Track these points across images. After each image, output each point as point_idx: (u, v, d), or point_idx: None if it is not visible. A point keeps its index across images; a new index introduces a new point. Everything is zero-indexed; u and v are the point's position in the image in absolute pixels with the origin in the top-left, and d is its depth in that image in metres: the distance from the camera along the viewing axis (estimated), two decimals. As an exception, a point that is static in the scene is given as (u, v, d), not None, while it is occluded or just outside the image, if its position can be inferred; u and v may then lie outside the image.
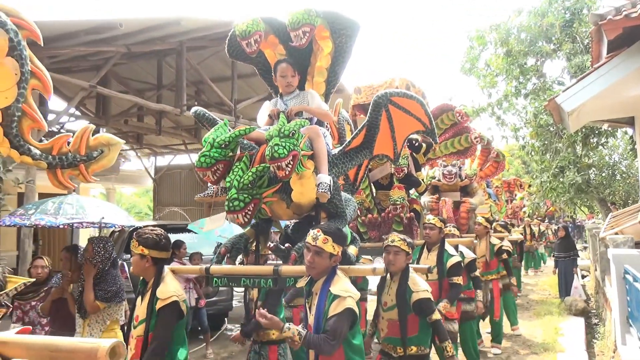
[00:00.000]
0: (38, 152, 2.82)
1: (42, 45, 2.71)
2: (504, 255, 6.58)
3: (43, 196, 6.52)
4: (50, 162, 2.87)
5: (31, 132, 2.82)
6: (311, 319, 2.57)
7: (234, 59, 3.44)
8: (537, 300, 10.30)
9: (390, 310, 3.32)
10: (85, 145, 2.97)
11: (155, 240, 2.80)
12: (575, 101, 5.91)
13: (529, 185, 13.27)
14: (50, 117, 9.25)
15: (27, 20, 2.62)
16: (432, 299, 3.32)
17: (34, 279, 3.96)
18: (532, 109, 10.21)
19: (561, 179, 9.68)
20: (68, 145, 2.96)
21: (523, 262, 13.32)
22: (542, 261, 15.72)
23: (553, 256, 11.24)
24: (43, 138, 4.96)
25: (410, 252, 3.34)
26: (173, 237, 6.68)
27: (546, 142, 10.21)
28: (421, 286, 3.27)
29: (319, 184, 2.71)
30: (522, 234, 12.73)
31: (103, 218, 4.41)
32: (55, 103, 12.67)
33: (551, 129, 9.99)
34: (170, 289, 2.74)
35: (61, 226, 4.58)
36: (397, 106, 3.08)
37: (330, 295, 2.48)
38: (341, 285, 2.53)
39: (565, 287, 9.79)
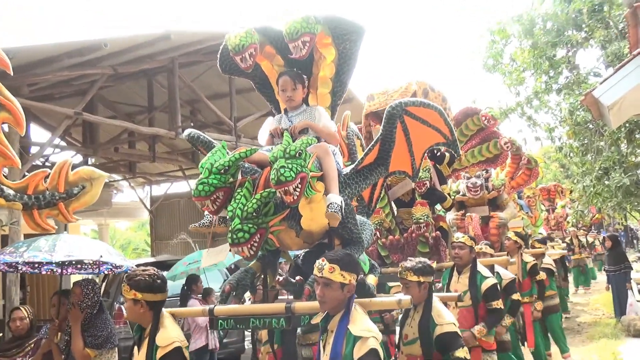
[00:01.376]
0: (12, 192, 2.83)
1: (12, 74, 2.75)
2: (539, 276, 6.39)
3: (29, 237, 6.60)
4: (26, 203, 2.88)
5: (10, 170, 2.85)
6: (325, 359, 2.53)
7: (228, 74, 3.48)
8: (589, 322, 10.08)
9: (411, 345, 3.28)
10: (65, 182, 2.99)
11: (147, 282, 2.76)
12: (615, 94, 5.83)
13: (570, 192, 13.08)
14: (34, 149, 9.42)
15: None
16: (459, 332, 3.25)
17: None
18: (567, 106, 10.11)
19: (606, 182, 9.51)
20: (45, 182, 2.97)
21: (572, 279, 13.06)
22: (592, 276, 15.40)
23: (604, 270, 11.01)
24: (26, 173, 5.03)
25: (423, 280, 3.30)
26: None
27: (586, 142, 10.07)
28: (446, 318, 3.24)
29: (328, 204, 2.69)
30: (569, 245, 12.50)
31: (102, 256, 4.46)
32: (38, 134, 12.92)
33: (590, 126, 9.87)
34: (172, 334, 2.73)
35: (55, 263, 4.62)
36: (414, 117, 3.08)
37: (351, 336, 2.44)
38: (361, 324, 2.48)
39: (619, 305, 9.58)
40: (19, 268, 4.86)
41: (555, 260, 8.92)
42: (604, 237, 13.88)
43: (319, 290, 2.52)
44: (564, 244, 11.98)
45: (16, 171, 5.64)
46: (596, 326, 9.43)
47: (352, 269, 2.54)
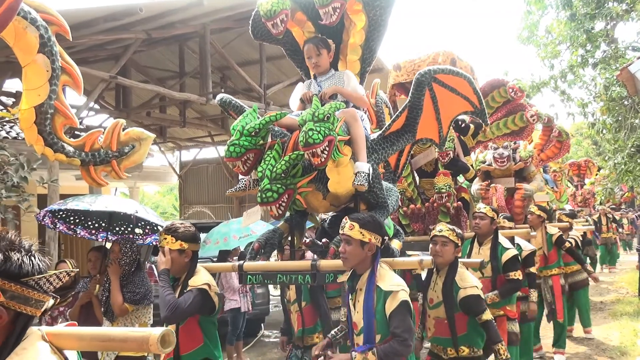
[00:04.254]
0: (71, 149, 3.06)
1: (71, 39, 2.93)
2: (566, 245, 6.36)
3: (64, 197, 6.90)
4: (84, 159, 3.10)
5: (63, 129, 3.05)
6: (356, 317, 2.66)
7: (260, 40, 3.54)
8: (612, 300, 10.07)
9: (436, 308, 3.39)
10: (117, 141, 3.20)
11: (191, 233, 2.99)
12: (652, 70, 5.74)
13: (598, 169, 12.84)
14: (70, 112, 9.66)
15: (56, 15, 2.85)
16: (482, 295, 3.35)
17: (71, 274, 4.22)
18: (603, 81, 9.88)
19: (638, 160, 9.35)
20: (100, 141, 3.17)
21: (598, 257, 12.93)
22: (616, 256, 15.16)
23: (636, 249, 10.84)
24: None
25: (460, 244, 3.39)
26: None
27: (620, 118, 9.86)
28: (470, 282, 3.32)
29: (356, 174, 2.78)
30: (596, 223, 12.35)
31: (137, 212, 4.70)
32: (73, 97, 13.21)
33: (625, 102, 9.64)
34: (203, 278, 2.92)
35: (110, 232, 4.92)
36: (442, 84, 3.10)
37: (381, 292, 2.57)
38: (390, 279, 2.62)
39: (644, 286, 9.53)
40: (78, 233, 5.12)
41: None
42: (635, 216, 13.66)
43: (342, 247, 2.66)
44: (590, 221, 11.84)
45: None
46: (619, 304, 9.43)
47: (372, 228, 2.64)
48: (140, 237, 5.15)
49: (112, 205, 4.71)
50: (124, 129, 3.26)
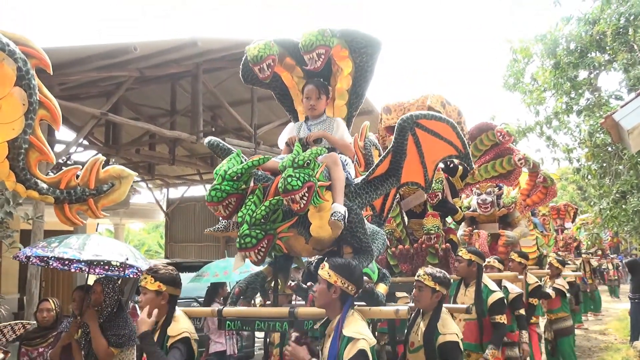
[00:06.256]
0: (45, 186, 2.93)
1: (52, 73, 2.88)
2: (533, 300, 6.20)
3: (49, 233, 6.77)
4: (58, 197, 2.97)
5: (38, 165, 2.96)
6: None
7: (250, 84, 3.58)
8: (601, 347, 9.96)
9: (416, 352, 3.35)
10: (95, 179, 3.07)
11: (172, 276, 2.92)
12: (635, 118, 5.83)
13: (575, 211, 12.83)
14: (59, 147, 9.66)
15: (37, 48, 2.77)
16: (461, 345, 3.29)
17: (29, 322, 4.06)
18: (587, 127, 10.04)
19: (623, 206, 9.42)
20: (77, 178, 3.07)
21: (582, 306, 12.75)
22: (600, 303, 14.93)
23: (628, 297, 10.70)
24: (50, 171, 5.15)
25: (439, 288, 3.35)
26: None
27: (604, 164, 9.99)
28: (450, 329, 3.28)
29: (332, 213, 2.76)
30: (578, 269, 12.30)
31: (127, 259, 4.59)
32: (62, 132, 13.18)
33: (609, 149, 9.79)
34: (182, 326, 2.84)
35: (84, 262, 4.76)
36: (425, 129, 3.13)
37: (344, 338, 2.51)
38: (354, 326, 2.55)
39: (633, 334, 9.42)
40: (51, 264, 5.00)
41: (568, 283, 8.82)
42: (621, 262, 13.58)
43: (316, 287, 2.65)
44: (578, 266, 11.77)
45: (42, 168, 5.81)
46: (607, 351, 9.33)
47: (341, 272, 2.61)
48: (117, 268, 5.01)
49: (102, 253, 4.59)
50: (104, 166, 3.17)
